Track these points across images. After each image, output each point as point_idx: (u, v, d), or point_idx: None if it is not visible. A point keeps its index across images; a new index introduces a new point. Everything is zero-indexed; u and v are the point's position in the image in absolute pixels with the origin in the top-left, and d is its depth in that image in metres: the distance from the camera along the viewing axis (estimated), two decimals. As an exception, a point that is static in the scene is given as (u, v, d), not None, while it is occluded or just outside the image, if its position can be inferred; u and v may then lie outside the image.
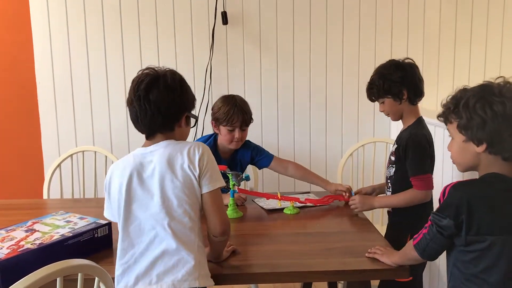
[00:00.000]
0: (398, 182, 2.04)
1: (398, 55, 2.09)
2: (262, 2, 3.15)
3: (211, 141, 2.33)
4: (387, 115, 2.09)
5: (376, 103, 2.10)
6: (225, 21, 3.08)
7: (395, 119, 2.09)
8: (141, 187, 1.45)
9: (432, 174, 1.99)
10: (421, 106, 2.10)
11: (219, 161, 2.15)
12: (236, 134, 2.23)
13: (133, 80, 1.47)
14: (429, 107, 2.67)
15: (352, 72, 3.24)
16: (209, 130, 2.79)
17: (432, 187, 1.97)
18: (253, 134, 3.24)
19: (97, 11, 3.07)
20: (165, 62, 3.11)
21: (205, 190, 1.46)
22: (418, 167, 1.95)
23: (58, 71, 3.11)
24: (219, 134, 2.30)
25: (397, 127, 2.11)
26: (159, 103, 1.42)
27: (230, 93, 2.36)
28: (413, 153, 1.95)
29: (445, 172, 2.39)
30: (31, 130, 3.19)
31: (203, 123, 3.13)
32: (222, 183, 1.51)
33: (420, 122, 2.05)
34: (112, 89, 3.13)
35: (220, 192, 1.51)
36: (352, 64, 3.25)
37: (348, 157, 2.87)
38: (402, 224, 2.03)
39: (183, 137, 1.56)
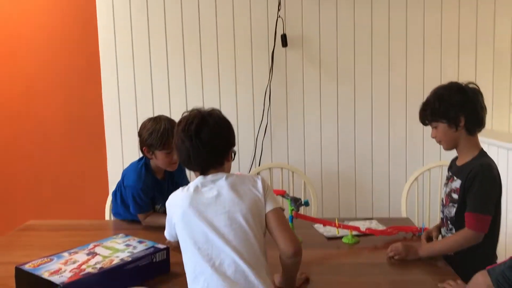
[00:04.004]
0: (462, 222, 1.78)
1: (465, 76, 1.96)
2: (322, 24, 3.13)
3: (142, 165, 2.23)
4: (439, 142, 1.89)
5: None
6: (284, 43, 3.07)
7: (448, 148, 1.89)
8: (208, 208, 1.42)
9: (493, 215, 1.75)
10: (492, 128, 1.94)
11: (158, 183, 2.25)
12: (175, 155, 2.09)
13: (180, 122, 1.51)
14: (501, 128, 2.49)
15: (416, 94, 3.11)
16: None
17: (486, 231, 1.74)
18: (311, 158, 3.18)
19: (160, 34, 3.17)
20: (225, 84, 3.13)
21: (269, 208, 1.45)
22: (480, 203, 1.73)
23: (123, 95, 3.22)
24: (153, 159, 2.20)
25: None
26: (211, 141, 1.46)
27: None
28: (481, 184, 1.73)
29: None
30: (97, 151, 3.32)
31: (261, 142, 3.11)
32: (281, 205, 1.50)
33: (486, 154, 1.84)
34: (174, 109, 3.19)
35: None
36: (416, 85, 3.14)
37: (413, 182, 2.73)
38: (462, 262, 1.78)
39: (228, 171, 1.56)
